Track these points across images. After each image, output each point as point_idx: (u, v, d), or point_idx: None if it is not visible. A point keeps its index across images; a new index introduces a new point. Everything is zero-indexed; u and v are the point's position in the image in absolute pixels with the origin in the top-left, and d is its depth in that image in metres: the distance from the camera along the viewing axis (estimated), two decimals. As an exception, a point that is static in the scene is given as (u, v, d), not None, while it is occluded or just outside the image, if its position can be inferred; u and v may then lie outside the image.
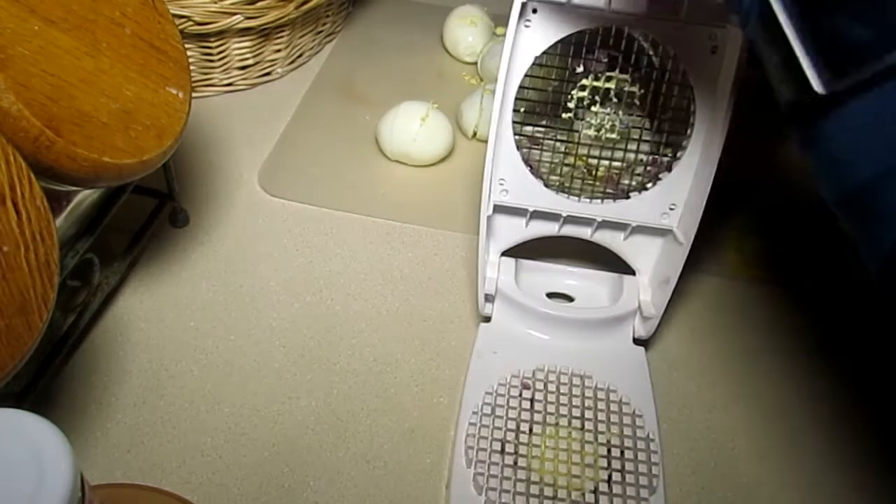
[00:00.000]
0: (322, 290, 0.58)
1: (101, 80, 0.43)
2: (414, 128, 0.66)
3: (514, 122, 0.48)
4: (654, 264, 0.53)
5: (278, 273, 0.59)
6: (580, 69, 0.48)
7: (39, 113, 0.38)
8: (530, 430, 0.47)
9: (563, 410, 0.48)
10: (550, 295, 0.55)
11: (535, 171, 0.50)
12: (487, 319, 0.54)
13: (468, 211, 0.64)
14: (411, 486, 0.47)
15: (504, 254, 0.54)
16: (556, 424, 0.48)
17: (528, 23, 0.46)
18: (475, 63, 0.79)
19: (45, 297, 0.38)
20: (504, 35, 0.79)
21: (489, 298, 0.53)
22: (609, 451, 0.46)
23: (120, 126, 0.43)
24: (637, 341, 0.53)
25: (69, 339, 0.50)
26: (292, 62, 0.77)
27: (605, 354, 0.52)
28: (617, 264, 0.54)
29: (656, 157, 0.49)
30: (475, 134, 0.70)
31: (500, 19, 0.82)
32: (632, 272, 0.54)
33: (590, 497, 0.44)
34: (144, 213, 0.58)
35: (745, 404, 0.53)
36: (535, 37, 0.46)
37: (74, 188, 0.45)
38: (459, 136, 0.71)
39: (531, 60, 0.46)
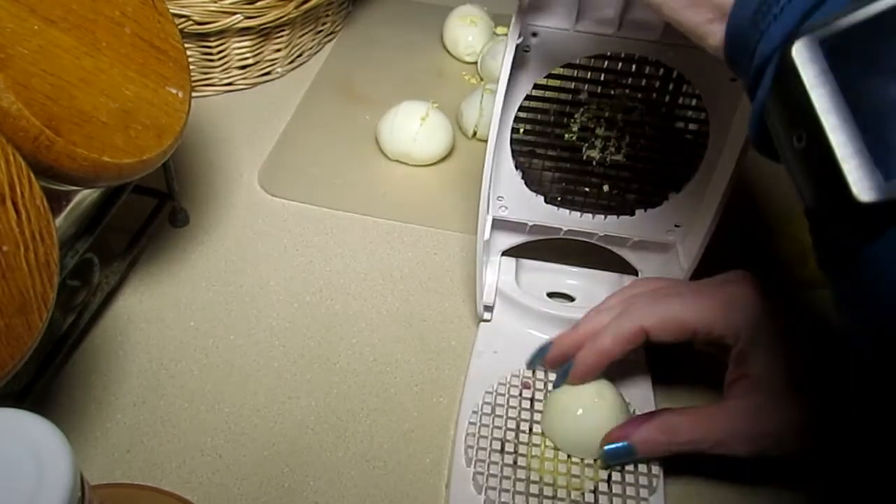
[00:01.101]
0: (322, 290, 0.58)
1: (101, 79, 0.43)
2: (414, 127, 0.65)
3: (513, 140, 0.47)
4: (657, 269, 0.53)
5: (278, 273, 0.59)
6: (584, 95, 0.45)
7: (39, 112, 0.38)
8: (530, 429, 0.47)
9: None
10: (551, 294, 0.55)
11: (536, 187, 0.49)
12: (488, 319, 0.54)
13: (468, 211, 0.64)
14: (411, 485, 0.47)
15: (504, 253, 0.54)
16: None
17: (527, 48, 0.43)
18: (475, 63, 0.79)
19: (44, 297, 0.38)
20: (504, 34, 0.80)
21: (488, 308, 0.53)
22: None
23: (120, 125, 0.43)
24: None
25: (69, 338, 0.50)
26: (292, 62, 0.77)
27: None
28: (619, 264, 0.54)
29: (665, 176, 0.48)
30: (475, 133, 0.70)
31: (500, 19, 0.82)
32: (634, 272, 0.54)
33: (590, 497, 0.44)
34: (144, 213, 0.58)
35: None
36: (534, 62, 0.44)
37: (74, 188, 0.45)
38: (459, 135, 0.71)
39: (531, 86, 0.45)
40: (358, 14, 0.86)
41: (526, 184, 0.48)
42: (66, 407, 0.49)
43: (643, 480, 0.45)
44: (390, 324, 0.56)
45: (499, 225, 0.51)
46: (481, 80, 0.77)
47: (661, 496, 0.45)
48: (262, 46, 0.73)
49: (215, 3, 0.65)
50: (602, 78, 0.45)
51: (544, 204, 0.49)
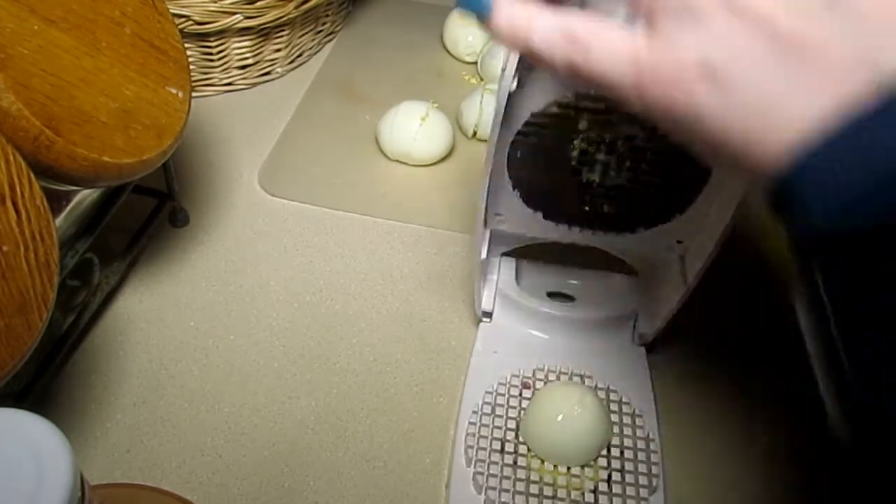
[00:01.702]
0: (322, 290, 0.58)
1: (101, 79, 0.43)
2: (414, 127, 0.65)
3: (510, 162, 0.45)
4: (658, 272, 0.52)
5: (278, 273, 0.59)
6: (583, 123, 0.44)
7: (39, 112, 0.38)
8: None
9: None
10: (551, 294, 0.55)
11: (534, 204, 0.48)
12: (488, 320, 0.54)
13: (468, 211, 0.64)
14: (411, 485, 0.47)
15: (504, 254, 0.54)
16: None
17: (521, 84, 0.41)
18: (475, 62, 0.79)
19: (44, 297, 0.38)
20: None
21: (486, 314, 0.53)
22: (609, 450, 0.47)
23: (120, 125, 0.43)
24: (639, 342, 0.53)
25: (69, 338, 0.50)
26: (292, 62, 0.77)
27: (606, 355, 0.52)
28: (619, 263, 0.54)
29: (668, 198, 0.46)
30: (475, 133, 0.70)
31: (500, 19, 0.82)
32: (634, 272, 0.54)
33: (589, 497, 0.44)
34: (144, 213, 0.58)
35: (748, 405, 0.53)
36: (530, 95, 0.42)
37: (74, 188, 0.45)
38: (459, 135, 0.71)
39: (528, 115, 0.43)
40: (358, 14, 0.86)
41: (524, 202, 0.48)
42: (66, 407, 0.49)
43: (643, 480, 0.45)
44: (390, 324, 0.56)
45: (498, 231, 0.51)
46: (481, 80, 0.77)
47: (661, 496, 0.45)
48: (261, 46, 0.73)
49: (215, 3, 0.65)
50: (602, 107, 0.43)
51: (543, 220, 0.48)
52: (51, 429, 0.26)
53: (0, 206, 0.36)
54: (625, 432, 0.48)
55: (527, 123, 0.44)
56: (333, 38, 0.82)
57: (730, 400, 0.53)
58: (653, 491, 0.45)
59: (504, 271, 0.54)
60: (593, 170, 0.46)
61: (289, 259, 0.60)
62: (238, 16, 0.67)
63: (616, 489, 0.45)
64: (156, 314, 0.55)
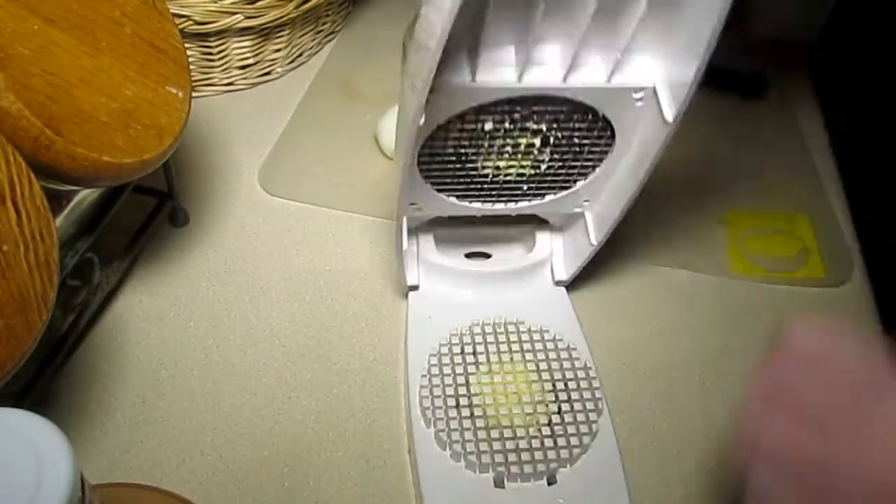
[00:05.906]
0: (322, 289, 0.58)
1: (101, 79, 0.43)
2: (414, 127, 0.65)
3: (421, 163, 0.46)
4: (570, 224, 0.55)
5: (278, 273, 0.59)
6: (489, 125, 0.44)
7: (39, 112, 0.38)
8: (479, 380, 0.49)
9: (505, 357, 0.50)
10: (469, 255, 0.57)
11: (446, 191, 0.49)
12: (416, 291, 0.55)
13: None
14: (411, 485, 0.47)
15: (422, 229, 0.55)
16: (502, 371, 0.50)
17: (428, 100, 0.40)
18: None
19: (44, 297, 0.38)
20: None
21: (413, 288, 0.55)
22: (554, 385, 0.49)
23: (119, 125, 0.43)
24: (558, 283, 0.56)
25: (69, 338, 0.50)
26: (292, 61, 0.77)
27: (531, 300, 0.55)
28: (532, 216, 0.54)
29: (573, 171, 0.48)
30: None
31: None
32: (546, 224, 0.55)
33: (546, 430, 0.46)
34: (144, 213, 0.58)
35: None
36: (434, 111, 0.42)
37: (74, 188, 0.45)
38: (459, 135, 0.71)
39: (433, 127, 0.43)
40: (358, 14, 0.86)
41: (436, 191, 0.48)
42: (66, 407, 0.49)
43: (589, 405, 0.48)
44: (390, 323, 0.56)
45: (416, 217, 0.52)
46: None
47: (607, 415, 0.48)
48: (262, 46, 0.73)
49: (215, 3, 0.65)
50: (505, 117, 0.44)
51: (457, 201, 0.49)
52: (51, 429, 0.26)
53: (0, 205, 0.36)
54: (564, 366, 0.50)
55: (431, 137, 0.44)
56: (334, 37, 0.82)
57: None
58: (599, 413, 0.48)
59: (424, 244, 0.55)
60: (500, 163, 0.47)
61: (289, 259, 0.60)
62: (238, 16, 0.67)
63: (567, 418, 0.47)
64: (156, 314, 0.55)
